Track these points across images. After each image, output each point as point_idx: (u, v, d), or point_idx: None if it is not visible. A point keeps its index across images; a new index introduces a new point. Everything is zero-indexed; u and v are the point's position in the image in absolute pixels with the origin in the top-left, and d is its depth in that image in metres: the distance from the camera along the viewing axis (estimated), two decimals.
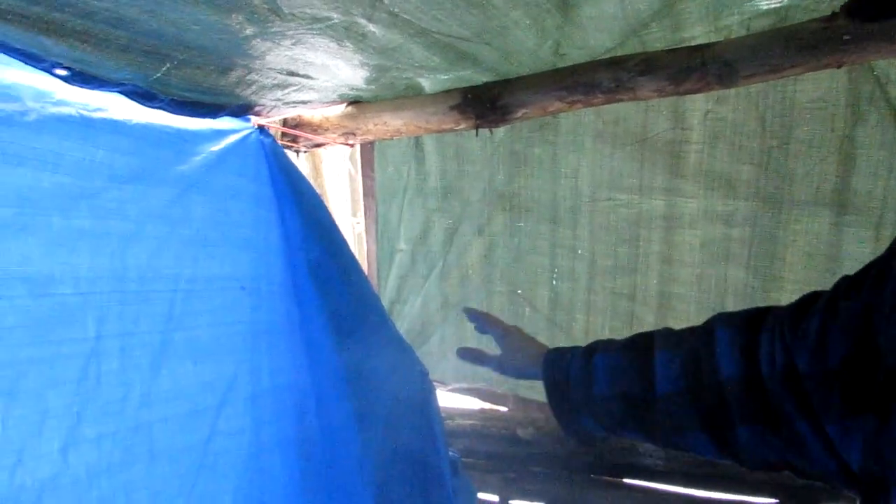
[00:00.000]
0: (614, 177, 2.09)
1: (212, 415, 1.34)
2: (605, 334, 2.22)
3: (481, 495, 2.08)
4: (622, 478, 1.97)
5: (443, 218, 2.37)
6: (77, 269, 1.05)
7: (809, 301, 0.77)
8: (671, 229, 2.06)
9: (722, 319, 0.88)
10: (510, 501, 2.05)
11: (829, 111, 1.77)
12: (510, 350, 1.22)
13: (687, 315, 2.09)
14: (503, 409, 2.23)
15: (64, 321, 1.02)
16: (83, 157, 1.11)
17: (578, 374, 1.02)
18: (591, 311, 2.25)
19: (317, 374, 1.75)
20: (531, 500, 2.04)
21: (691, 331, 0.92)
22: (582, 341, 2.23)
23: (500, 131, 2.16)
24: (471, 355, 1.28)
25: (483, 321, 1.30)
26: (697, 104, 1.95)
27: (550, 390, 1.07)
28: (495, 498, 2.07)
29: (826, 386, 0.70)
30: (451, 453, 1.97)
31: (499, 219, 2.28)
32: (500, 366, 1.22)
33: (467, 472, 2.00)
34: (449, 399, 2.39)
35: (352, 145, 2.20)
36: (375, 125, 1.99)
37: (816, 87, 1.78)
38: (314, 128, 2.05)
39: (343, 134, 2.05)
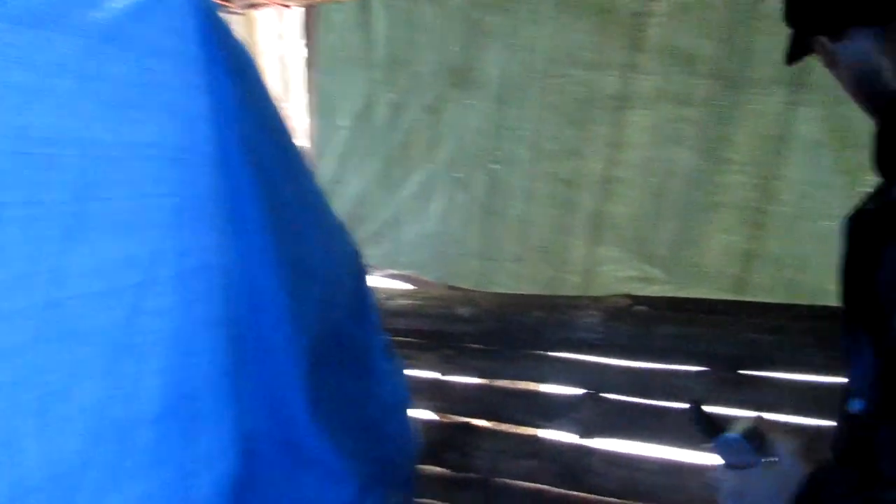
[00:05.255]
0: (572, 51, 1.96)
1: (133, 293, 1.24)
2: (544, 223, 2.19)
3: (420, 373, 2.10)
4: (560, 352, 2.01)
5: (388, 92, 2.21)
6: None
7: None
8: (622, 109, 1.99)
9: None
10: (447, 377, 2.09)
11: None
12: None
13: (629, 200, 2.06)
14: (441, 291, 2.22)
15: None
16: None
17: None
18: (531, 197, 2.19)
19: (247, 252, 1.67)
20: (469, 376, 2.08)
21: None
22: (517, 230, 2.22)
23: None
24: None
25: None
26: None
27: None
28: (435, 375, 2.10)
29: None
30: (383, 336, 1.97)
31: (449, 95, 2.14)
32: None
33: (405, 351, 2.00)
34: (384, 282, 2.36)
35: (289, 6, 2.00)
36: None
37: None
38: None
39: None
